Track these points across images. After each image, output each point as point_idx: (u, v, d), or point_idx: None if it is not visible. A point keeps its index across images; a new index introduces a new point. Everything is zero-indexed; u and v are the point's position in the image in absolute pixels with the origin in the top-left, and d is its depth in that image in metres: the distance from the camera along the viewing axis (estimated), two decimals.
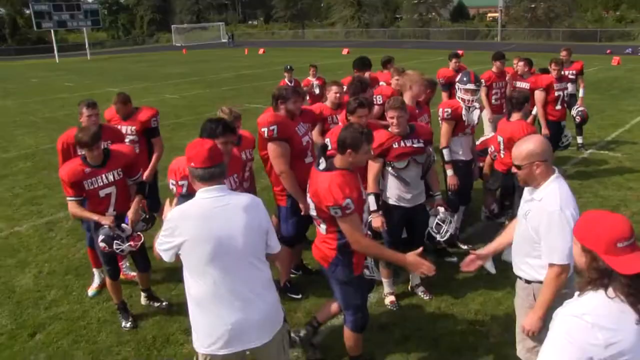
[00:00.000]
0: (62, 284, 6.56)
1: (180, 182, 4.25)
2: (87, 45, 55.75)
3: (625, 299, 2.18)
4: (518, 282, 3.91)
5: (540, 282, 3.59)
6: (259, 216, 3.36)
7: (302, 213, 5.49)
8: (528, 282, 3.76)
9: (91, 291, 6.31)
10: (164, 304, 5.87)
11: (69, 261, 7.18)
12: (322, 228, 4.18)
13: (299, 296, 5.95)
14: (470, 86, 6.50)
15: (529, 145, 3.55)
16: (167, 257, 3.33)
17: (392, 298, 5.77)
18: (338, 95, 6.52)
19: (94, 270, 6.40)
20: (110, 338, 5.44)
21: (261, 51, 49.06)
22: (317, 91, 11.40)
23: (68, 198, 5.21)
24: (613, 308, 2.18)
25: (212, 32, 77.60)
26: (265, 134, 5.39)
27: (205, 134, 4.27)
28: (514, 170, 3.67)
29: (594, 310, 2.21)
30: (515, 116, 6.44)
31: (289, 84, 12.02)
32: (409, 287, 5.99)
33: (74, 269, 6.91)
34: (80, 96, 20.44)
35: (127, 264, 6.47)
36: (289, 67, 12.62)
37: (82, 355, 5.20)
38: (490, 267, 4.44)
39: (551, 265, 3.45)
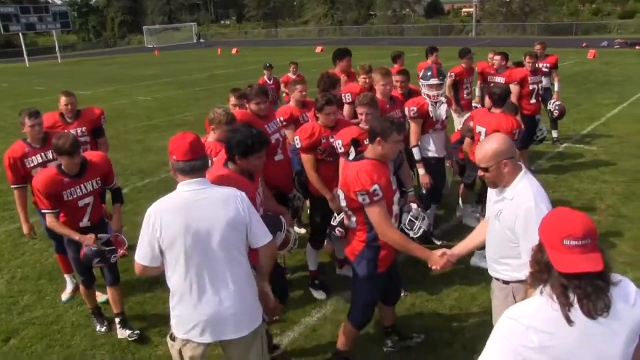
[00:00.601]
0: (35, 289, 6.50)
1: None
2: (57, 49, 55.03)
3: (556, 299, 2.14)
4: (495, 284, 3.82)
5: (520, 282, 3.50)
6: (239, 209, 3.32)
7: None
8: (506, 282, 3.67)
9: (65, 296, 6.24)
10: (135, 332, 5.35)
11: (42, 266, 7.11)
12: (353, 221, 4.18)
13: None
14: (434, 81, 6.46)
15: (492, 145, 3.45)
16: (147, 260, 3.29)
17: None
18: (304, 93, 6.48)
19: (66, 276, 6.32)
20: (85, 342, 5.39)
21: (234, 51, 48.90)
22: None
23: (45, 211, 4.93)
24: (552, 312, 2.14)
25: (185, 33, 77.03)
26: None
27: (239, 151, 3.87)
28: (481, 174, 3.54)
29: (533, 314, 2.18)
30: (497, 112, 6.33)
31: (269, 81, 11.98)
32: None
33: (47, 274, 6.85)
34: (51, 100, 20.07)
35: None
36: (268, 64, 12.49)
37: None
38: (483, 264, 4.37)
39: None
